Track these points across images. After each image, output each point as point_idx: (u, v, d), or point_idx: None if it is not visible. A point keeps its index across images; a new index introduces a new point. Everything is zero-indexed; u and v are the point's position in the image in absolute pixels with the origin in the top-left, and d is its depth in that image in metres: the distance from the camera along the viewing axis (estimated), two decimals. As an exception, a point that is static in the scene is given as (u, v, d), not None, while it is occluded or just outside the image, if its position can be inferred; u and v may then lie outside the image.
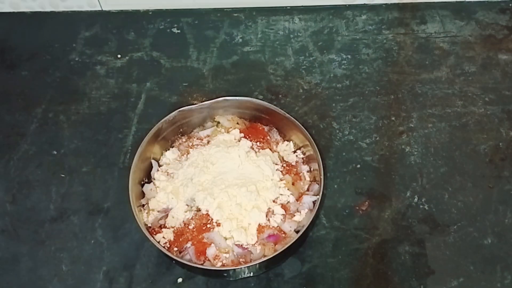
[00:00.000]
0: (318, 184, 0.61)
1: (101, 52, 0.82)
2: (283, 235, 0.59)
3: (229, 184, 0.60)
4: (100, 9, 0.87)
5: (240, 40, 0.83)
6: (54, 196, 0.67)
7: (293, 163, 0.65)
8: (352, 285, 0.59)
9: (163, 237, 0.59)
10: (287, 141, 0.67)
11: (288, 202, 0.61)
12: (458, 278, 0.60)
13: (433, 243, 0.62)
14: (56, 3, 0.86)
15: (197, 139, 0.67)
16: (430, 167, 0.68)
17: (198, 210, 0.60)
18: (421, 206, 0.65)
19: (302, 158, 0.65)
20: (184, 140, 0.67)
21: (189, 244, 0.58)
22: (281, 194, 0.61)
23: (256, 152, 0.64)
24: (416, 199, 0.65)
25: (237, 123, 0.68)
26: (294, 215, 0.60)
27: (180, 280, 0.60)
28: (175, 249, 0.58)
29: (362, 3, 0.86)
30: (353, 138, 0.71)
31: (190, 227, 0.59)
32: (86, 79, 0.79)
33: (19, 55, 0.82)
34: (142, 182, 0.63)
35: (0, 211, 0.66)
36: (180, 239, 0.58)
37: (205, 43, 0.82)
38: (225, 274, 0.58)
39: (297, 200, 0.62)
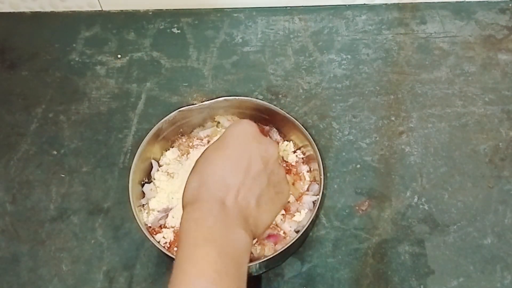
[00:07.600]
0: (318, 184, 0.61)
1: (101, 52, 0.82)
2: (283, 235, 0.59)
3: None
4: (100, 9, 0.87)
5: (240, 40, 0.83)
6: (54, 196, 0.67)
7: (293, 163, 0.65)
8: (352, 285, 0.59)
9: (163, 237, 0.59)
10: (287, 141, 0.67)
11: (288, 202, 0.61)
12: (458, 278, 0.60)
13: (433, 243, 0.62)
14: (56, 3, 0.86)
15: (197, 139, 0.67)
16: (430, 167, 0.68)
17: (198, 210, 0.60)
18: (421, 206, 0.65)
19: (302, 158, 0.65)
20: (184, 140, 0.67)
21: (189, 244, 0.58)
22: (281, 194, 0.61)
23: (256, 152, 0.64)
24: (416, 199, 0.65)
25: (237, 123, 0.68)
26: (294, 215, 0.60)
27: (180, 280, 0.60)
28: (175, 249, 0.58)
29: (362, 3, 0.86)
30: (353, 138, 0.71)
31: (190, 227, 0.59)
32: (86, 79, 0.79)
33: (19, 55, 0.82)
34: (142, 182, 0.63)
35: (0, 211, 0.66)
36: (180, 239, 0.58)
37: (205, 43, 0.82)
38: (225, 274, 0.58)
39: (297, 200, 0.62)
